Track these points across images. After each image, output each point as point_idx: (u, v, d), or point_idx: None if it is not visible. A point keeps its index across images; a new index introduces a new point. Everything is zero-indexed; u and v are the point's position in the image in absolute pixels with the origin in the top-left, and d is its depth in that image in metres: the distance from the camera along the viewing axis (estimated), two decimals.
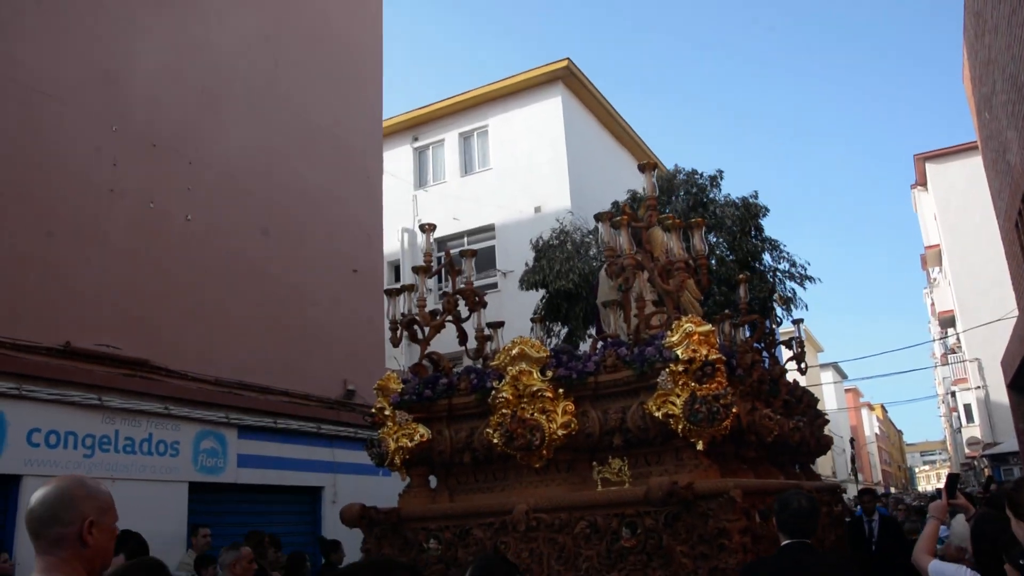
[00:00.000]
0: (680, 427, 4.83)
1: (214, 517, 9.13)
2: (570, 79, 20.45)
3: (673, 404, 4.84)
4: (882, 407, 75.83)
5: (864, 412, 68.83)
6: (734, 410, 4.85)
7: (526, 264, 15.96)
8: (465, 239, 20.65)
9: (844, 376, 56.09)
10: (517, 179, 20.05)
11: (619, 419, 5.19)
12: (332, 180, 12.71)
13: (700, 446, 4.87)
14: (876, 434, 72.53)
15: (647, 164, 5.80)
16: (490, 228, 20.19)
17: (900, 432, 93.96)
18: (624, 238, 5.50)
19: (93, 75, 9.35)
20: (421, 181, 21.80)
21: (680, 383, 4.85)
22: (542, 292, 15.24)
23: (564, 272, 14.50)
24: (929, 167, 31.69)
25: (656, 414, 4.90)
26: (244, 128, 11.32)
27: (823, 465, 44.39)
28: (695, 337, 4.88)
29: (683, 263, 5.34)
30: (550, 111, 20.20)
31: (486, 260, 19.99)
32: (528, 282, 15.37)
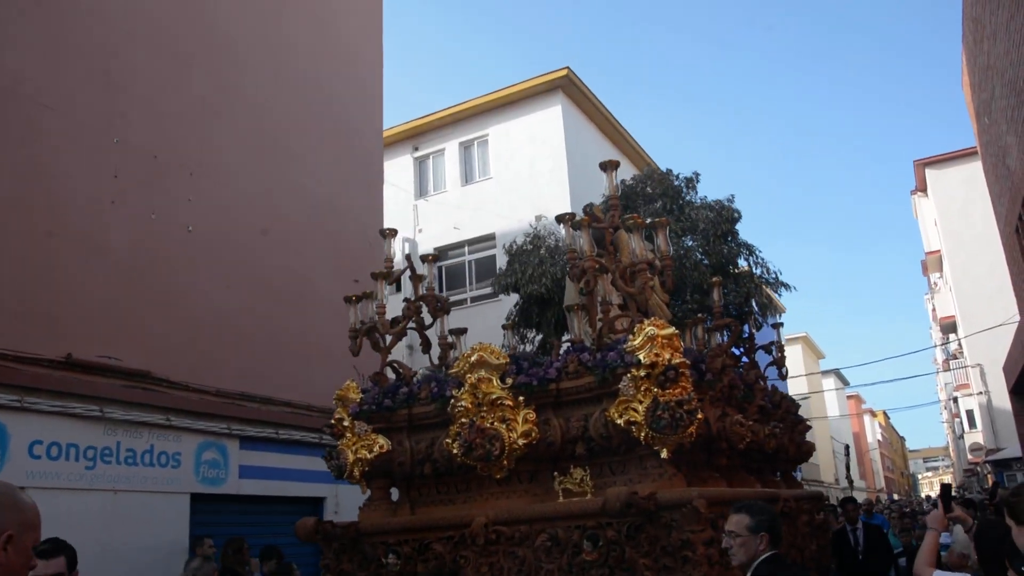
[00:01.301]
0: (643, 434, 4.59)
1: (216, 528, 9.10)
2: (570, 88, 20.28)
3: (635, 411, 4.60)
4: (884, 413, 75.53)
5: (866, 419, 68.62)
6: (700, 416, 4.61)
7: (499, 269, 15.72)
8: (466, 248, 20.61)
9: (846, 383, 56.01)
10: (518, 188, 19.93)
11: (581, 427, 4.96)
12: (333, 190, 12.70)
13: (664, 454, 4.63)
14: (879, 440, 72.34)
15: (608, 163, 5.58)
16: (491, 237, 20.01)
17: (903, 438, 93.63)
18: (584, 240, 5.28)
19: (94, 87, 9.35)
20: (422, 191, 21.66)
21: (642, 389, 4.60)
22: (515, 298, 14.91)
23: (536, 276, 14.13)
24: (929, 172, 31.51)
25: (618, 421, 4.66)
26: (245, 138, 11.32)
27: (825, 472, 44.27)
28: (658, 340, 4.64)
29: (646, 264, 5.10)
30: (550, 120, 20.05)
31: (487, 270, 19.93)
32: (500, 286, 15.05)
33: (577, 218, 5.52)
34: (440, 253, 20.40)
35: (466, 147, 21.42)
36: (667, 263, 5.47)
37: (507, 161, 20.49)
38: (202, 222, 10.30)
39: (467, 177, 21.22)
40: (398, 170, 21.25)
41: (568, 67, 19.91)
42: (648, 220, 5.93)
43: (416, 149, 21.85)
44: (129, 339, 8.94)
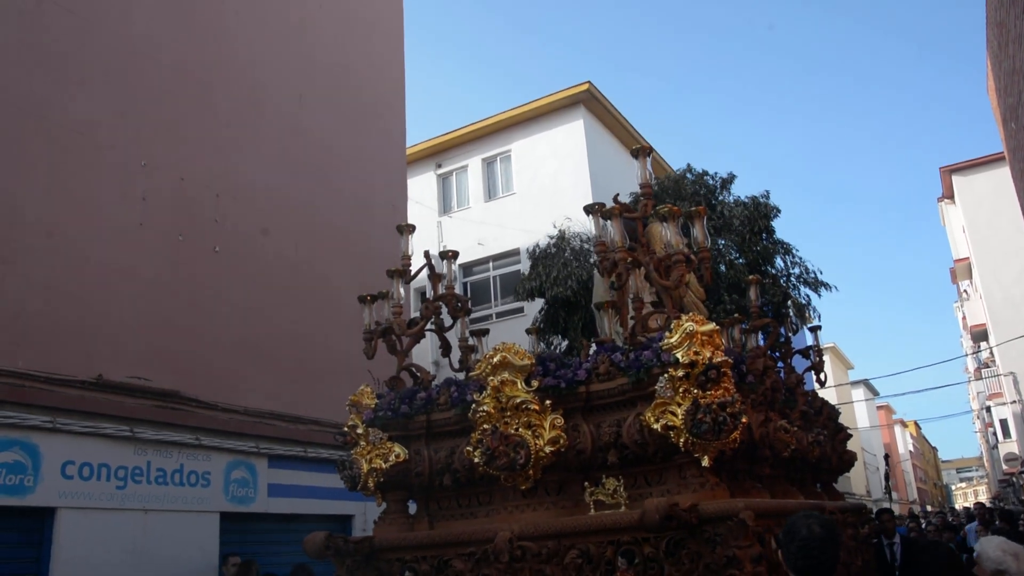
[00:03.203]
0: (682, 440, 4.15)
1: (245, 547, 9.12)
2: (591, 102, 20.05)
3: (673, 414, 4.16)
4: (915, 424, 74.34)
5: (897, 429, 67.54)
6: (743, 420, 4.17)
7: (522, 273, 15.34)
8: (490, 264, 20.52)
9: (876, 393, 55.12)
10: (541, 203, 19.70)
11: (614, 433, 4.50)
12: (357, 208, 12.72)
13: (706, 462, 4.18)
14: (910, 451, 71.17)
15: (640, 149, 5.14)
16: (515, 253, 19.73)
17: (935, 449, 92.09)
18: (615, 230, 4.84)
19: (121, 112, 9.49)
20: (445, 207, 21.51)
21: (681, 390, 4.17)
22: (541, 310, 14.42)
23: (562, 279, 13.55)
24: (956, 179, 30.96)
25: (655, 426, 4.22)
26: (270, 160, 11.40)
27: (857, 484, 43.60)
28: (697, 338, 4.19)
29: (682, 255, 4.63)
30: (572, 134, 19.84)
31: (511, 285, 19.94)
32: (524, 290, 14.57)
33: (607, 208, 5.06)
34: (465, 269, 20.43)
35: (489, 163, 21.30)
36: (704, 255, 4.98)
37: (530, 176, 20.38)
38: (228, 243, 10.38)
39: (490, 193, 21.09)
40: (422, 187, 21.19)
41: (589, 81, 19.77)
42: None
43: (439, 166, 21.73)
44: (158, 360, 9.02)
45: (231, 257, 10.34)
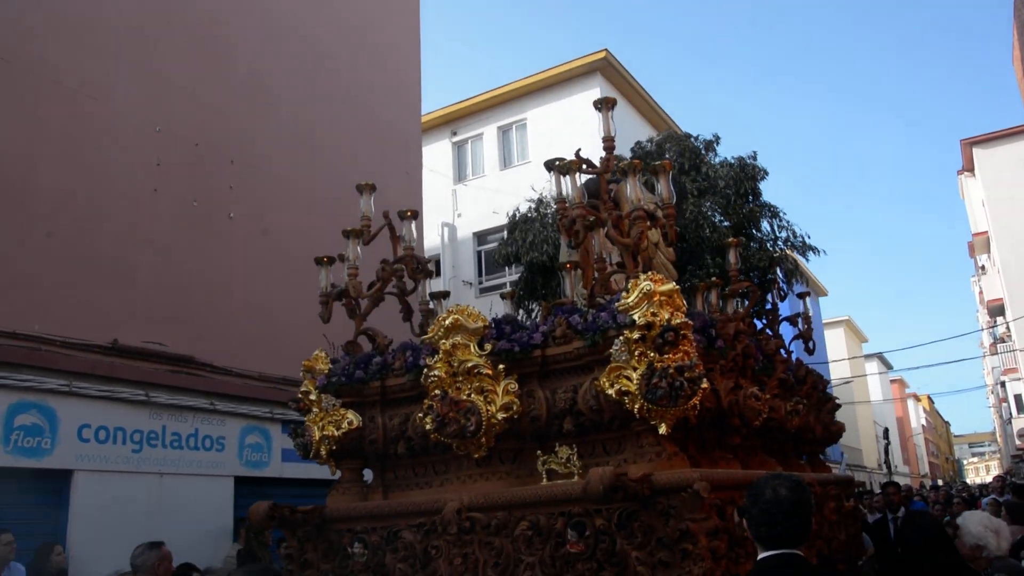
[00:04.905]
0: (637, 407, 3.84)
1: None
2: (608, 70, 19.62)
3: (628, 379, 3.85)
4: (928, 398, 74.12)
5: (910, 403, 67.39)
6: (704, 386, 3.86)
7: (502, 238, 15.07)
8: (504, 233, 20.61)
9: (890, 366, 54.98)
10: None
11: (569, 400, 4.19)
12: (372, 175, 12.59)
13: (663, 429, 3.86)
14: (923, 425, 71.13)
15: (604, 100, 4.83)
16: None
17: (947, 423, 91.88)
18: (571, 185, 4.57)
19: (136, 77, 9.42)
20: (460, 175, 21.28)
21: (636, 353, 3.85)
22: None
23: (539, 244, 13.23)
24: (976, 152, 30.29)
25: (609, 392, 3.90)
26: (285, 126, 11.31)
27: (868, 457, 43.58)
28: (655, 297, 3.87)
29: (643, 211, 4.30)
30: (589, 102, 19.91)
31: None
32: (501, 255, 14.28)
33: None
34: (479, 238, 20.39)
35: (504, 131, 21.03)
36: (670, 212, 4.61)
37: (546, 145, 20.15)
38: (242, 209, 10.37)
39: (506, 161, 20.88)
40: (437, 155, 21.02)
41: (606, 49, 19.44)
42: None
43: (454, 134, 21.47)
44: (173, 325, 9.04)
45: (245, 223, 10.33)
